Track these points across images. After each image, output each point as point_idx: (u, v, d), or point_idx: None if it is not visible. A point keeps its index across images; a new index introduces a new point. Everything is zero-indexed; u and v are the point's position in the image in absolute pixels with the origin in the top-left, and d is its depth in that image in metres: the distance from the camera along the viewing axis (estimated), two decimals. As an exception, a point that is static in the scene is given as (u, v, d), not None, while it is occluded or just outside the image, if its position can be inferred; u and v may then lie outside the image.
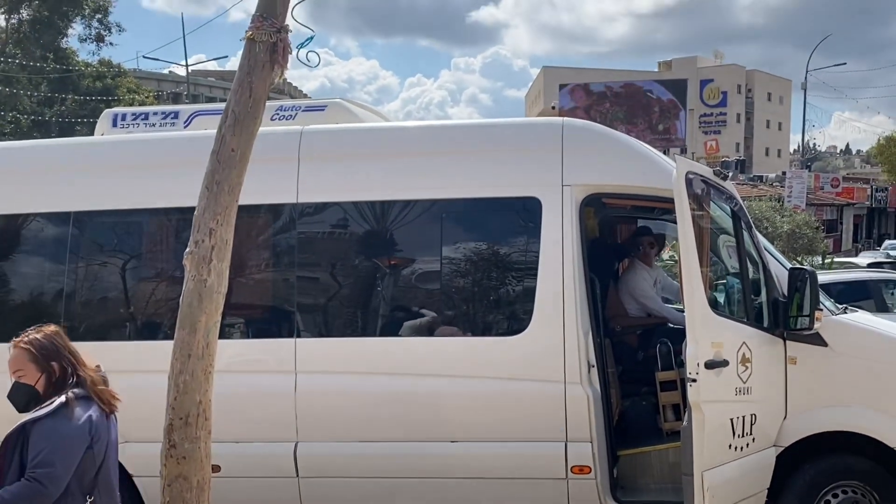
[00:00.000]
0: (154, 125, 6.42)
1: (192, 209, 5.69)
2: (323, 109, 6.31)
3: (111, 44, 38.62)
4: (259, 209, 5.90)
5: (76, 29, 37.84)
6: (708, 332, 4.93)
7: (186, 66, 36.03)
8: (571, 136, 5.71)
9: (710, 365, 4.88)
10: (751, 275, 5.56)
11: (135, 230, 6.16)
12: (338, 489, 5.74)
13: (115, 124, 6.48)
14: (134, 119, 6.47)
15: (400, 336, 5.77)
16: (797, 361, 5.45)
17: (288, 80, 74.95)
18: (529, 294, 5.58)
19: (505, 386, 5.53)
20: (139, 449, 5.70)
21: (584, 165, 5.65)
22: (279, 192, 5.84)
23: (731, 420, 5.11)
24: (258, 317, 5.95)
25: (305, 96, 74.87)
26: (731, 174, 5.51)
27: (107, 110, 6.62)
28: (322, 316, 5.88)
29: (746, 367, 5.17)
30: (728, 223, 5.61)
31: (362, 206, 5.87)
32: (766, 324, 5.46)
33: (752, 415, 5.24)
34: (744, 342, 5.19)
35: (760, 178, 59.55)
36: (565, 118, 5.89)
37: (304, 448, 5.69)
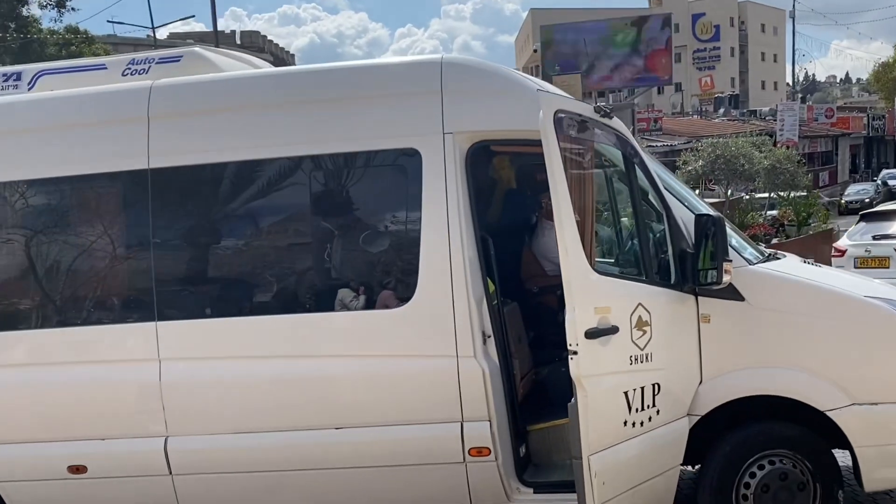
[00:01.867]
0: (-5, 88, 5.71)
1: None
2: (178, 60, 5.59)
3: (73, 9, 37.45)
4: (104, 178, 5.24)
5: (34, -5, 36.75)
6: (589, 296, 4.30)
7: (153, 27, 35.03)
8: (452, 76, 4.98)
9: (592, 334, 4.26)
10: (652, 226, 4.89)
11: None
12: (216, 486, 5.15)
13: (-52, 89, 5.77)
14: (-31, 82, 5.75)
15: (270, 314, 5.12)
16: (710, 319, 4.78)
17: (270, 39, 73.60)
18: (412, 260, 4.90)
19: (392, 364, 4.90)
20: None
21: (468, 110, 4.93)
22: (128, 158, 5.16)
23: (626, 394, 4.48)
24: (113, 300, 5.29)
25: (292, 56, 73.42)
26: (612, 111, 4.72)
27: (-56, 75, 5.89)
28: (182, 295, 5.22)
29: (644, 332, 4.52)
30: (617, 168, 4.92)
31: (219, 168, 5.18)
32: (672, 280, 4.79)
33: (654, 384, 4.61)
34: (639, 303, 4.53)
35: (753, 112, 58.54)
36: (445, 55, 5.14)
37: (176, 443, 5.09)
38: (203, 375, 5.06)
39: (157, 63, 5.60)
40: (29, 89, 5.69)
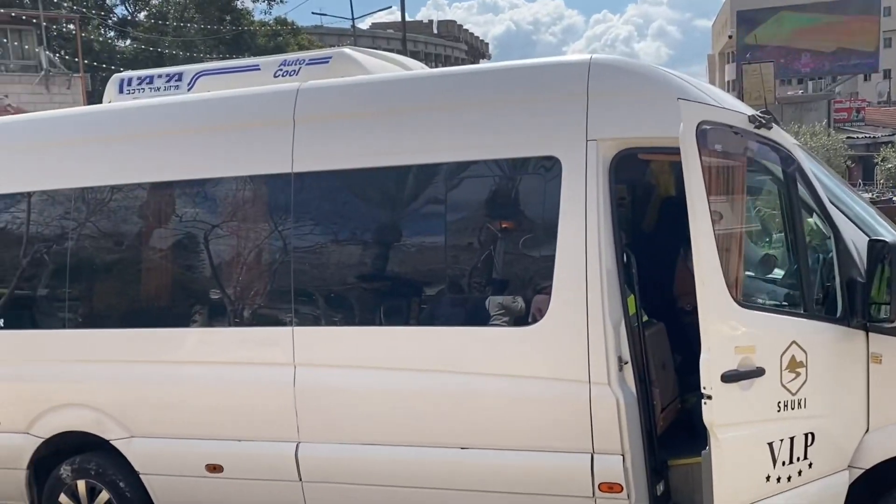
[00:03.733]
0: (159, 89, 5.94)
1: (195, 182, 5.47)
2: (327, 62, 5.55)
3: (281, 1, 39.49)
4: (250, 181, 5.29)
5: (248, -11, 39.02)
6: (729, 334, 3.86)
7: (352, 19, 36.28)
8: (600, 77, 4.60)
9: (731, 377, 3.82)
10: (817, 250, 4.32)
11: (134, 206, 5.69)
12: (343, 496, 5.10)
13: (121, 90, 6.05)
14: (139, 83, 6.00)
15: (404, 325, 5.01)
16: (882, 360, 4.18)
17: (466, 28, 74.55)
18: (546, 276, 4.61)
19: (520, 386, 4.65)
20: (147, 445, 5.41)
21: (616, 115, 4.56)
22: (272, 162, 5.18)
23: (771, 445, 3.98)
24: (253, 303, 5.33)
25: (486, 44, 74.00)
26: (771, 121, 4.14)
27: (115, 75, 6.20)
28: (318, 302, 5.18)
29: (797, 374, 4.01)
30: (775, 185, 4.37)
31: (359, 174, 5.09)
32: (838, 313, 4.21)
33: (807, 434, 4.08)
34: (793, 341, 4.01)
35: None
36: (594, 55, 4.78)
37: (307, 449, 5.09)
38: (336, 383, 5.01)
39: (306, 64, 5.59)
40: (189, 89, 5.86)
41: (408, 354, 4.88)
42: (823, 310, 4.25)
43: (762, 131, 4.14)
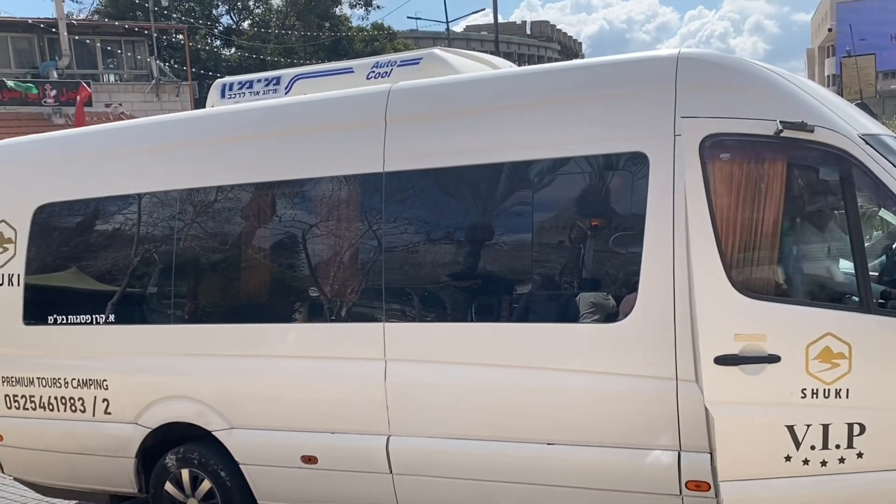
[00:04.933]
0: (258, 93, 6.15)
1: (294, 182, 5.65)
2: (418, 63, 5.65)
3: (378, 7, 40.12)
4: (345, 181, 5.43)
5: (347, -4, 39.80)
6: (726, 321, 4.17)
7: (447, 22, 36.58)
8: (689, 71, 4.55)
9: (729, 360, 4.14)
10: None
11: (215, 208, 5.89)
12: (432, 489, 5.18)
13: (223, 95, 6.30)
14: (240, 88, 6.23)
15: (493, 321, 5.05)
16: None
17: (559, 28, 74.22)
18: (632, 274, 4.60)
19: (607, 382, 4.65)
20: (246, 436, 5.62)
21: (705, 109, 4.50)
22: (365, 162, 5.31)
23: (792, 427, 4.15)
24: (348, 299, 5.47)
25: (579, 44, 73.35)
26: (809, 125, 4.23)
27: (217, 81, 6.45)
28: (408, 299, 5.29)
29: (834, 364, 4.06)
30: (821, 184, 4.53)
31: (446, 173, 5.16)
32: None
33: (850, 424, 4.09)
34: (827, 333, 4.08)
35: None
36: (681, 49, 4.72)
37: (397, 442, 5.21)
38: (425, 378, 5.09)
39: (398, 66, 5.70)
40: (286, 93, 6.05)
41: (494, 350, 4.92)
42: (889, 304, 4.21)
43: (795, 134, 4.18)
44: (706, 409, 4.26)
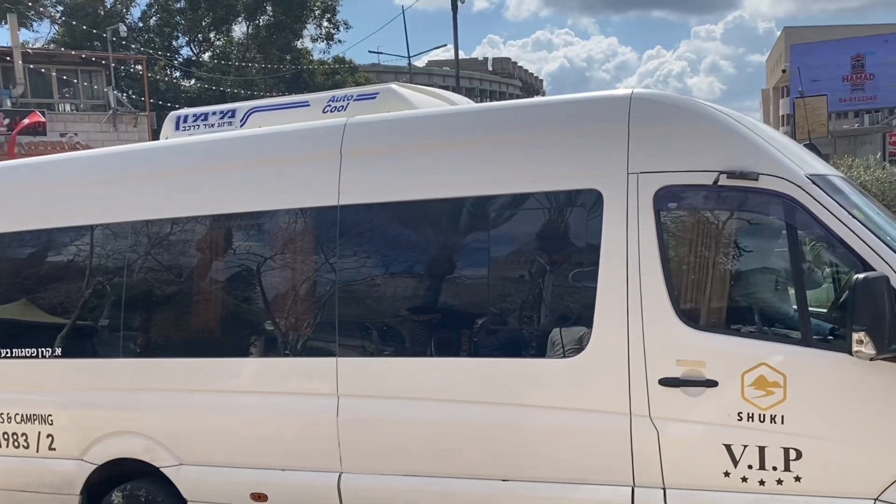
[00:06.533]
0: (213, 125, 6.12)
1: (248, 215, 5.60)
2: (374, 97, 5.67)
3: (339, 41, 40.35)
4: (300, 214, 5.41)
5: (309, 30, 39.95)
6: (669, 347, 4.43)
7: (408, 57, 36.86)
8: (642, 111, 4.65)
9: (669, 382, 4.42)
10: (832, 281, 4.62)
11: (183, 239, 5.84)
12: None
13: (177, 127, 6.26)
14: (195, 120, 6.20)
15: (447, 356, 5.03)
16: None
17: (521, 65, 75.37)
18: (588, 308, 4.63)
19: (562, 417, 4.66)
20: (195, 472, 5.52)
21: (657, 149, 4.59)
22: (320, 195, 5.30)
23: (729, 446, 4.35)
24: (299, 334, 5.42)
25: (540, 81, 74.47)
26: (752, 174, 4.43)
27: (171, 113, 6.41)
28: (362, 333, 5.25)
29: (768, 392, 4.27)
30: (769, 228, 4.66)
31: (401, 207, 5.18)
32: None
33: (785, 448, 4.26)
34: (762, 363, 4.28)
35: None
36: (635, 89, 4.81)
37: (349, 480, 5.13)
38: (379, 414, 5.05)
39: (354, 100, 5.71)
40: (241, 125, 6.03)
41: (450, 385, 4.90)
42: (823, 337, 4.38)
43: (742, 182, 4.36)
44: (654, 426, 4.45)
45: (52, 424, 5.92)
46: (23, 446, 6.00)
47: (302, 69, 37.82)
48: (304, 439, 5.22)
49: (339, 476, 5.14)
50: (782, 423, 4.25)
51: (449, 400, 4.89)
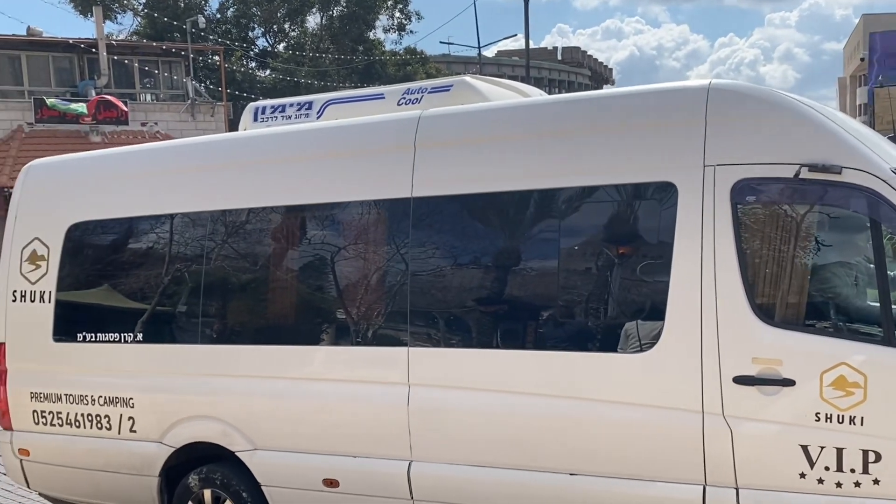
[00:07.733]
0: (290, 117, 6.22)
1: (323, 206, 5.69)
2: (448, 90, 5.68)
3: (411, 31, 40.49)
4: (374, 205, 5.46)
5: (381, 21, 40.21)
6: (745, 345, 4.35)
7: (479, 47, 36.75)
8: (720, 102, 4.56)
9: (744, 381, 4.35)
10: None
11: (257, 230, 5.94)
12: None
13: (255, 118, 6.37)
14: (273, 112, 6.30)
15: (519, 349, 5.03)
16: None
17: (590, 54, 74.39)
18: (660, 303, 4.57)
19: (632, 412, 4.62)
20: (269, 457, 5.62)
21: (734, 141, 4.49)
22: (393, 186, 5.34)
23: (806, 447, 4.26)
24: (371, 322, 5.48)
25: (610, 70, 73.50)
26: (835, 167, 4.28)
27: (250, 104, 6.53)
28: (433, 323, 5.28)
29: (848, 392, 4.17)
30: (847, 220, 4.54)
31: (473, 199, 5.18)
32: None
33: (864, 451, 4.16)
34: (842, 363, 4.18)
35: None
36: (712, 80, 4.71)
37: (418, 468, 5.18)
38: (449, 403, 5.08)
39: (428, 93, 5.74)
40: (318, 117, 6.10)
41: (518, 377, 4.90)
42: None
43: (822, 176, 4.25)
44: (728, 425, 4.38)
45: (132, 407, 6.11)
46: (105, 427, 6.20)
47: (374, 60, 38.14)
48: (376, 427, 5.28)
49: (410, 464, 5.19)
50: (861, 424, 4.16)
51: (517, 392, 4.90)
